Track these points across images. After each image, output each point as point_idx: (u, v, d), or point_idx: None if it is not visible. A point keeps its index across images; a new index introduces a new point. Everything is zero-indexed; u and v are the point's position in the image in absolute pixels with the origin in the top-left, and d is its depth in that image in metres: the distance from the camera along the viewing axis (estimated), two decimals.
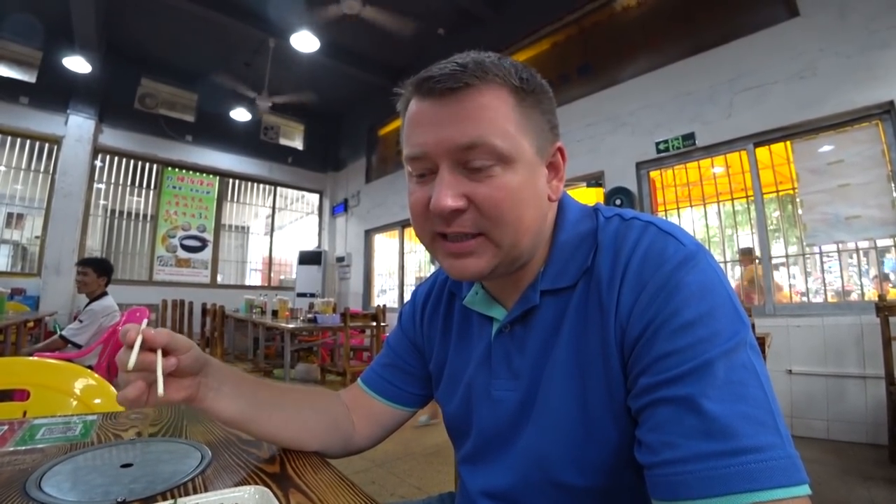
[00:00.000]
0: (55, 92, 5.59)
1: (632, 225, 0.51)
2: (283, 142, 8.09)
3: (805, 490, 0.36)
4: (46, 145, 5.69)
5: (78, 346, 2.82)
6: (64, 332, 2.85)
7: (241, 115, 6.39)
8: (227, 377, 0.57)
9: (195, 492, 0.49)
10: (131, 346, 0.46)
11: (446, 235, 0.51)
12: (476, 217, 0.49)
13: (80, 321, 2.86)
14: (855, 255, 3.07)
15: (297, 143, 8.28)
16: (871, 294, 2.98)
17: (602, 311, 0.48)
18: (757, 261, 3.40)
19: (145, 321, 0.50)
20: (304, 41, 4.96)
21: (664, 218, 0.54)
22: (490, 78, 0.48)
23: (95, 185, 6.09)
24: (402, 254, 6.78)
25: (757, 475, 0.35)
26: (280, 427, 0.61)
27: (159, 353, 0.47)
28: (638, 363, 0.44)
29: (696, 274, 0.44)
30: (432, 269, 6.23)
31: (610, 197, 4.02)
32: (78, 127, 5.73)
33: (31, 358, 1.05)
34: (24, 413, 0.96)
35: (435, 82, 0.48)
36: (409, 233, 6.73)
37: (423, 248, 6.58)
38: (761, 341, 1.33)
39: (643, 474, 0.42)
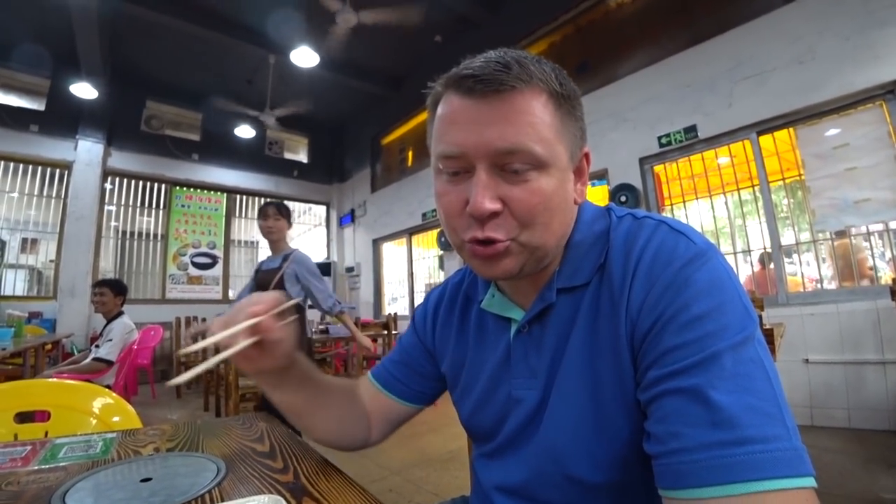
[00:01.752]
0: (64, 118, 5.70)
1: (644, 224, 0.52)
2: (288, 156, 8.17)
3: (810, 482, 0.36)
4: (57, 171, 5.80)
5: (111, 364, 2.89)
6: (99, 355, 2.88)
7: (245, 131, 6.47)
8: (301, 375, 0.64)
9: (212, 503, 0.51)
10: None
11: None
12: (509, 221, 0.49)
13: (111, 339, 2.91)
14: (868, 240, 3.02)
15: (302, 157, 8.36)
16: (887, 278, 2.94)
17: (613, 307, 0.49)
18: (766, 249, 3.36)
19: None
20: (304, 56, 5.02)
21: (673, 216, 0.54)
22: (534, 82, 0.48)
23: (106, 208, 6.19)
24: (411, 261, 6.79)
25: (762, 465, 0.35)
26: (316, 426, 0.69)
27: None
28: (647, 356, 0.45)
29: (705, 270, 0.45)
30: (441, 275, 6.23)
31: (615, 194, 4.00)
32: (87, 151, 5.84)
33: (50, 380, 1.07)
34: (46, 433, 0.98)
35: (476, 81, 0.47)
36: (417, 240, 6.75)
37: (431, 254, 6.58)
38: (771, 334, 1.32)
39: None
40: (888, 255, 3.02)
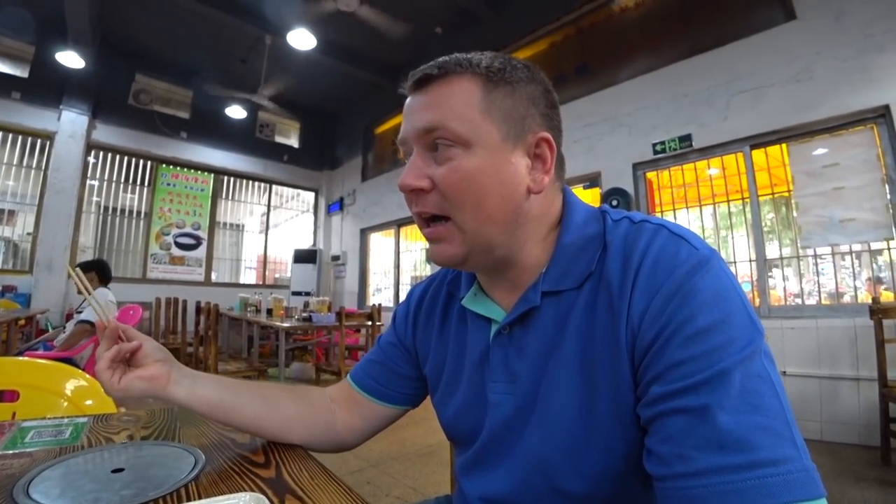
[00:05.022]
0: (48, 87, 5.51)
1: (643, 228, 0.50)
2: (279, 139, 8.04)
3: (822, 503, 0.35)
4: (39, 141, 5.61)
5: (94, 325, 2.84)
6: (83, 318, 2.81)
7: (236, 112, 6.33)
8: (200, 373, 0.64)
9: (188, 498, 0.48)
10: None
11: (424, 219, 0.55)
12: (438, 199, 0.51)
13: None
14: (848, 258, 3.09)
15: (293, 141, 8.24)
16: (865, 296, 3.00)
17: (613, 316, 0.47)
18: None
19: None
20: (301, 39, 4.93)
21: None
22: (458, 70, 0.51)
23: (88, 182, 6.02)
24: (398, 253, 6.76)
25: (774, 489, 0.34)
26: (261, 416, 0.64)
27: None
28: (650, 370, 0.43)
29: (709, 279, 0.43)
30: (428, 268, 6.21)
31: (606, 198, 4.02)
32: (71, 123, 5.66)
33: (21, 358, 1.03)
34: (14, 414, 0.94)
35: (413, 81, 0.53)
36: (405, 232, 6.71)
37: (418, 247, 6.56)
38: None
39: (649, 484, 0.41)
40: (865, 274, 3.10)
